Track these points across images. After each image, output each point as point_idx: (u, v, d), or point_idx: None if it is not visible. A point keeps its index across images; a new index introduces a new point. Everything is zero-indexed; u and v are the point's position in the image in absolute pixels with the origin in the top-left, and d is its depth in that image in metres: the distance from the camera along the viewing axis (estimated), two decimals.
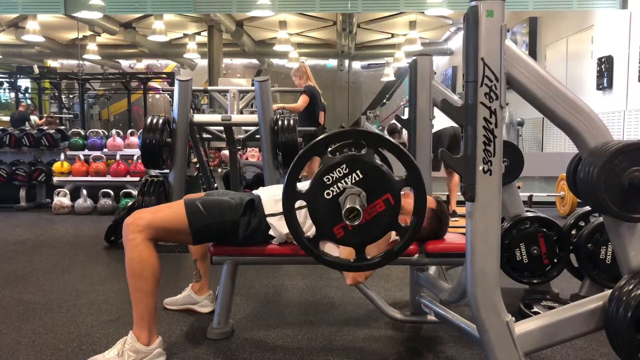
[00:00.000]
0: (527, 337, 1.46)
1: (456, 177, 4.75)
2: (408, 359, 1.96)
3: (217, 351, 2.00)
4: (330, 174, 1.39)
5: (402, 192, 2.07)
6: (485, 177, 1.38)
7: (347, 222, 1.34)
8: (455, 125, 4.31)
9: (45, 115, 11.72)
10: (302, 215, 1.97)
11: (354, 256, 1.49)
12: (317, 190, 1.39)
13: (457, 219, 4.62)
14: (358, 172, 1.38)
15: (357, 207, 1.33)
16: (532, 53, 9.21)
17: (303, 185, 2.04)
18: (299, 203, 1.96)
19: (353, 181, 1.39)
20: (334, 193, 1.39)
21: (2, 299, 2.63)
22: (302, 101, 5.34)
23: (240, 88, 4.27)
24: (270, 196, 2.02)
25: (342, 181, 1.38)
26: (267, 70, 16.86)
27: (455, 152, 1.41)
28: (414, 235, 1.43)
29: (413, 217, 1.42)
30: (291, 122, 3.43)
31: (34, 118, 10.71)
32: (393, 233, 1.95)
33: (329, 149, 1.43)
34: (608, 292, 1.48)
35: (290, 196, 1.42)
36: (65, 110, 11.75)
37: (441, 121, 4.54)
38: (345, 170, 1.38)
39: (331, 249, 1.96)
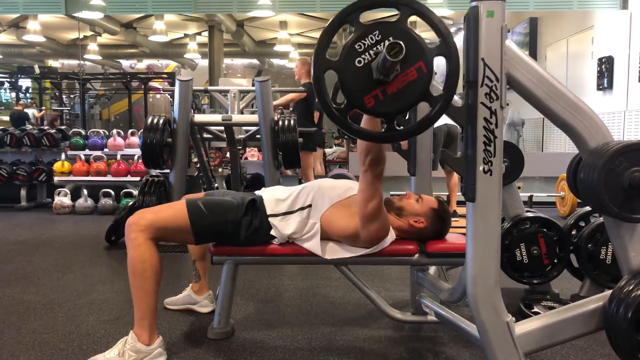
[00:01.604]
0: (528, 337, 1.45)
1: (455, 177, 4.75)
2: (408, 359, 1.96)
3: (218, 351, 2.00)
4: (362, 41, 1.32)
5: (404, 193, 2.09)
6: (485, 177, 1.38)
7: (390, 58, 1.25)
8: (449, 122, 4.31)
9: (44, 108, 11.73)
10: (305, 216, 1.97)
11: (378, 128, 1.43)
12: (349, 58, 1.33)
13: (457, 219, 4.62)
14: (391, 39, 1.31)
15: (400, 42, 1.26)
16: (533, 53, 9.21)
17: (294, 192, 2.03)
18: (302, 203, 1.98)
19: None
20: (366, 60, 1.32)
21: (2, 299, 2.63)
22: (297, 95, 5.19)
23: (240, 88, 4.26)
24: (272, 197, 2.03)
25: (375, 48, 1.32)
26: (268, 70, 16.87)
27: (450, 150, 1.40)
28: (447, 105, 1.36)
29: (445, 84, 1.37)
30: (291, 122, 3.44)
31: (32, 111, 10.71)
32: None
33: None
34: (608, 292, 1.48)
35: (320, 65, 1.34)
36: (66, 111, 11.75)
37: (442, 121, 4.55)
38: (378, 37, 1.32)
39: (333, 249, 1.96)
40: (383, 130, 1.41)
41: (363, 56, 1.33)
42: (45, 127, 7.08)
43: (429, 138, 2.41)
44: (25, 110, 11.13)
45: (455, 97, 2.53)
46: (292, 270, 3.19)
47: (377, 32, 1.33)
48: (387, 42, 1.29)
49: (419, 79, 1.34)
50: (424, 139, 2.38)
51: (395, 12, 1.37)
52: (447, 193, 5.03)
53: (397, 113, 1.38)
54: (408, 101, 1.36)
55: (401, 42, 1.26)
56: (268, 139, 3.46)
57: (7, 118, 11.70)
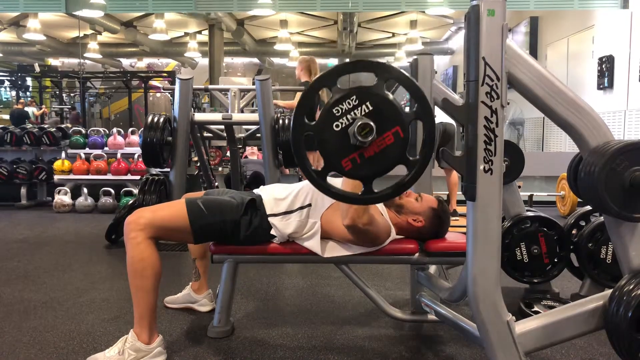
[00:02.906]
0: (528, 336, 1.46)
1: (455, 175, 4.75)
2: (408, 358, 1.96)
3: (218, 350, 2.00)
4: (340, 106, 1.36)
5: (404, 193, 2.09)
6: (486, 176, 1.38)
7: (360, 139, 1.31)
8: (445, 121, 4.30)
9: (43, 106, 11.72)
10: (304, 215, 1.97)
11: (359, 190, 1.47)
12: (326, 122, 1.36)
13: (457, 218, 4.62)
14: (368, 103, 1.35)
15: (370, 122, 1.31)
16: (533, 52, 9.20)
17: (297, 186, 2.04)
18: (301, 202, 1.98)
19: (363, 113, 1.36)
20: (344, 125, 1.36)
21: (2, 297, 2.63)
22: (297, 99, 5.23)
23: (241, 87, 4.26)
24: (272, 196, 2.03)
25: (352, 112, 1.36)
26: (268, 69, 16.87)
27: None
28: (423, 168, 1.39)
29: (422, 149, 1.39)
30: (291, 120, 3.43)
31: (32, 110, 10.71)
32: (379, 209, 1.94)
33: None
34: (608, 291, 1.48)
35: (298, 129, 1.39)
36: (66, 109, 11.76)
37: (438, 118, 4.54)
38: (355, 101, 1.35)
39: (333, 248, 1.97)
40: (360, 192, 1.45)
41: (341, 120, 1.36)
42: (46, 126, 7.07)
43: None
44: (25, 108, 11.13)
45: (456, 96, 2.54)
46: (292, 269, 3.19)
47: (354, 97, 1.36)
48: (362, 110, 1.34)
49: (395, 144, 1.37)
50: None
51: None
52: (447, 192, 5.03)
53: (375, 176, 1.42)
54: (385, 165, 1.39)
55: (371, 123, 1.31)
56: (268, 138, 3.46)
57: (7, 117, 11.71)
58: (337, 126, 1.36)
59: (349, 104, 1.35)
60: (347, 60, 15.79)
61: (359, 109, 1.35)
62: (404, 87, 1.38)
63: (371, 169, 1.39)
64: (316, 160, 5.80)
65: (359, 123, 1.32)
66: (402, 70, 1.39)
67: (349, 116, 1.36)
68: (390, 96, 1.37)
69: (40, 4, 8.78)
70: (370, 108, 1.35)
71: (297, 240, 1.98)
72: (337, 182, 2.07)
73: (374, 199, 1.46)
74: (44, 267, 3.25)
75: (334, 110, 1.36)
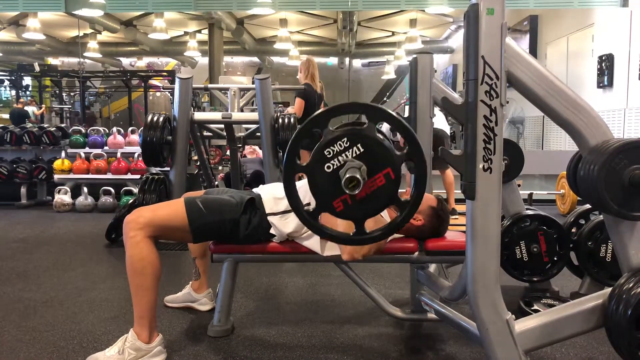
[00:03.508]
0: (527, 335, 1.46)
1: (449, 175, 4.77)
2: (408, 356, 1.97)
3: (218, 348, 2.00)
4: (331, 147, 1.37)
5: (403, 190, 2.09)
6: (485, 175, 1.38)
7: (347, 192, 1.33)
8: (436, 127, 4.33)
9: (43, 106, 11.72)
10: None
11: (352, 230, 1.48)
12: (318, 163, 1.38)
13: (457, 216, 4.62)
14: (359, 145, 1.37)
15: (357, 176, 1.33)
16: (533, 51, 9.19)
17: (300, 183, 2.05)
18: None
19: (354, 155, 1.38)
20: (335, 166, 1.38)
21: (2, 296, 2.63)
22: (297, 106, 5.24)
23: (240, 86, 4.26)
24: (271, 195, 2.03)
25: (343, 155, 1.37)
26: (268, 68, 16.86)
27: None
28: (415, 209, 1.41)
29: (413, 190, 1.41)
30: (291, 120, 3.44)
31: (32, 109, 10.70)
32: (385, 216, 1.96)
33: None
34: (608, 290, 1.48)
35: (290, 170, 1.41)
36: (66, 108, 11.76)
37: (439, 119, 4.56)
38: (346, 143, 1.37)
39: (333, 246, 1.97)
40: (352, 234, 1.47)
41: (332, 162, 1.38)
42: (45, 125, 7.07)
43: (429, 136, 2.41)
44: (25, 108, 11.12)
45: (455, 95, 2.54)
46: (292, 268, 3.19)
47: (345, 139, 1.37)
48: (347, 174, 1.35)
49: (386, 185, 1.39)
50: (424, 137, 2.38)
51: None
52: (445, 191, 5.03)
53: (366, 217, 1.44)
54: (376, 206, 1.42)
55: (359, 177, 1.33)
56: (268, 137, 3.46)
57: (6, 116, 11.70)
58: (328, 167, 1.38)
59: (340, 145, 1.37)
60: (347, 59, 15.82)
61: (350, 150, 1.37)
62: (394, 128, 1.40)
63: (362, 210, 1.42)
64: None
65: (347, 176, 1.34)
66: (392, 113, 1.41)
67: (340, 158, 1.37)
68: (381, 138, 1.39)
69: (40, 4, 8.77)
70: (362, 150, 1.37)
71: (296, 239, 1.98)
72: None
73: (365, 239, 1.49)
74: (43, 266, 3.25)
75: (325, 152, 1.38)
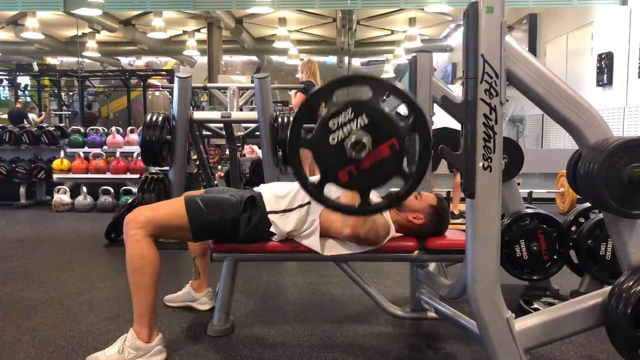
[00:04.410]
0: (527, 333, 1.46)
1: (458, 177, 4.73)
2: (408, 355, 1.97)
3: (217, 348, 2.00)
4: (336, 119, 1.37)
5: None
6: (485, 173, 1.38)
7: (353, 156, 1.33)
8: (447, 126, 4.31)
9: (43, 113, 11.71)
10: (304, 212, 1.97)
11: (357, 202, 1.48)
12: (322, 135, 1.38)
13: (459, 220, 4.59)
14: (364, 116, 1.36)
15: (363, 140, 1.33)
16: (532, 50, 9.19)
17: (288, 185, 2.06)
18: (301, 201, 1.98)
19: (358, 126, 1.38)
20: (339, 138, 1.37)
21: (2, 296, 2.63)
22: (298, 101, 5.24)
23: (239, 85, 4.26)
24: (272, 193, 2.03)
25: (348, 126, 1.37)
26: (267, 67, 16.85)
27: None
28: (419, 181, 1.41)
29: (417, 162, 1.41)
30: (291, 119, 3.43)
31: (32, 116, 10.69)
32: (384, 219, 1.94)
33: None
34: (608, 288, 1.48)
35: (295, 143, 1.41)
36: (64, 108, 11.73)
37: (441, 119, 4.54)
38: (351, 115, 1.36)
39: (333, 246, 1.97)
40: (357, 205, 1.46)
41: (337, 133, 1.37)
42: (44, 125, 7.06)
43: None
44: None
45: (455, 94, 2.54)
46: (292, 268, 3.19)
47: (350, 110, 1.37)
48: (358, 123, 1.35)
49: (391, 156, 1.38)
50: None
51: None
52: (448, 190, 5.04)
53: (371, 188, 1.43)
54: (381, 177, 1.41)
55: (364, 140, 1.33)
56: (267, 136, 3.45)
57: (5, 116, 11.68)
58: (333, 139, 1.37)
59: (345, 117, 1.37)
60: (346, 58, 15.81)
61: (355, 121, 1.36)
62: (399, 100, 1.39)
63: (367, 181, 1.41)
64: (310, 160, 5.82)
65: (353, 139, 1.34)
66: (396, 84, 1.40)
67: (345, 129, 1.37)
68: (386, 109, 1.39)
69: (39, 3, 8.76)
70: (366, 121, 1.37)
71: (296, 238, 1.98)
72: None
73: (370, 210, 1.48)
74: (43, 266, 3.25)
75: (329, 123, 1.37)
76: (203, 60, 14.07)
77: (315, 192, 1.43)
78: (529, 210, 2.50)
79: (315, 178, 1.43)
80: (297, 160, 1.41)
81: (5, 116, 11.65)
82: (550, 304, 2.31)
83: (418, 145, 1.40)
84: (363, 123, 1.36)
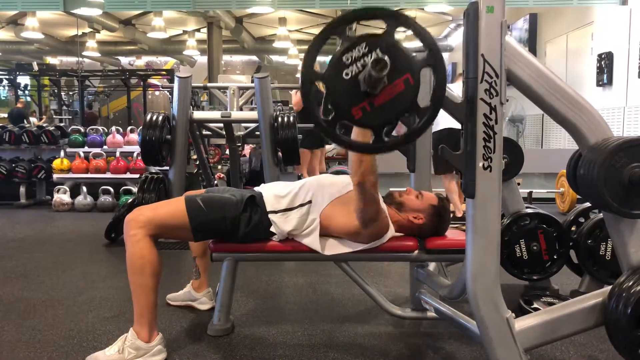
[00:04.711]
0: (527, 333, 1.46)
1: (453, 184, 4.69)
2: (408, 355, 1.97)
3: (217, 347, 2.00)
4: (350, 53, 1.34)
5: (404, 189, 2.09)
6: (485, 173, 1.38)
7: (374, 74, 1.28)
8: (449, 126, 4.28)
9: (44, 117, 11.72)
10: (304, 212, 1.97)
11: (370, 139, 1.45)
12: (336, 70, 1.34)
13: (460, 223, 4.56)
14: (378, 51, 1.33)
15: (385, 58, 1.29)
16: (532, 49, 9.19)
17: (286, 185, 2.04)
18: (302, 200, 1.98)
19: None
20: (354, 72, 1.33)
21: (2, 296, 2.63)
22: (298, 98, 5.22)
23: (239, 85, 4.26)
24: (273, 193, 2.03)
25: (362, 60, 1.33)
26: (267, 66, 16.85)
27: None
28: (434, 116, 1.37)
29: (432, 97, 1.38)
30: (291, 118, 3.43)
31: (33, 120, 10.68)
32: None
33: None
34: (608, 288, 1.48)
35: (308, 76, 1.37)
36: (64, 108, 11.73)
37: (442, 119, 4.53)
38: (365, 49, 1.33)
39: (333, 245, 1.96)
40: (371, 141, 1.43)
41: (350, 68, 1.34)
42: (44, 124, 7.06)
43: (428, 135, 2.41)
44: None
45: (455, 94, 2.53)
46: (292, 267, 3.19)
47: (364, 44, 1.34)
48: (372, 57, 1.31)
49: (406, 91, 1.35)
50: (423, 136, 2.37)
51: (395, 8, 1.37)
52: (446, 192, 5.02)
53: (385, 124, 1.39)
54: (395, 113, 1.37)
55: (385, 58, 1.28)
56: (267, 136, 3.45)
57: (5, 115, 11.68)
58: (347, 74, 1.33)
59: (359, 51, 1.33)
60: None
61: (369, 56, 1.32)
62: (414, 34, 1.36)
63: (382, 117, 1.36)
64: (309, 160, 5.82)
65: (374, 58, 1.29)
66: (411, 18, 1.36)
67: (359, 63, 1.33)
68: (401, 43, 1.35)
69: (39, 3, 8.76)
70: (381, 55, 1.33)
71: (296, 237, 1.98)
72: (337, 179, 2.07)
73: (385, 147, 1.43)
74: (43, 265, 3.25)
75: (343, 58, 1.33)
76: (203, 59, 14.07)
77: (328, 129, 1.37)
78: (529, 210, 2.50)
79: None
80: (311, 96, 1.36)
81: (5, 116, 11.64)
82: (550, 304, 2.31)
83: (433, 81, 1.37)
84: (378, 57, 1.32)
